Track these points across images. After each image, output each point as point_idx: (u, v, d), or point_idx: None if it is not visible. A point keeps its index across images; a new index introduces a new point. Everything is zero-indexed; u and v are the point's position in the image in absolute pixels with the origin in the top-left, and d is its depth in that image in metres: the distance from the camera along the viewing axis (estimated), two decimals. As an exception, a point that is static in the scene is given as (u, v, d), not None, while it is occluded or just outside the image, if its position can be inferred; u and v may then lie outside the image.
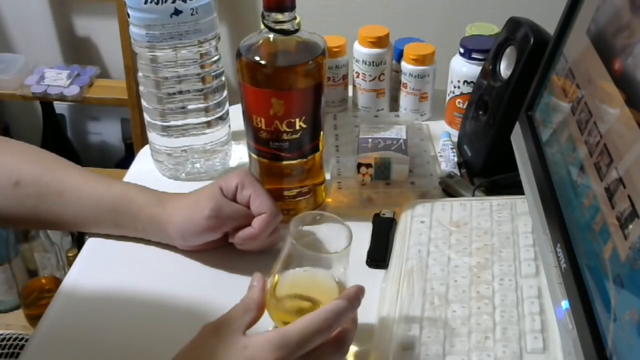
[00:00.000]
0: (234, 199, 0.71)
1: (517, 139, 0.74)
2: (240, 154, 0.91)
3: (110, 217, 0.74)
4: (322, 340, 0.54)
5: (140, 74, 0.84)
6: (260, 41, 0.73)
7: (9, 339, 0.93)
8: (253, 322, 0.56)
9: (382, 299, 0.68)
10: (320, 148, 0.78)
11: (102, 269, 0.74)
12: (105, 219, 0.74)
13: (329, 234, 0.59)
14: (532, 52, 0.77)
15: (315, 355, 0.54)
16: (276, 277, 0.58)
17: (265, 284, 0.58)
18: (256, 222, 0.70)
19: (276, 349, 0.52)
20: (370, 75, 0.96)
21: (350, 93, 1.01)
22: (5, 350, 0.91)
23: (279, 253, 0.57)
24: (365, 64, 0.95)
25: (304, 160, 0.77)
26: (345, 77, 0.99)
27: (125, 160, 1.94)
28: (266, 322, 0.58)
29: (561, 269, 0.56)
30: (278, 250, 0.73)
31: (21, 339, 0.94)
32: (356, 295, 0.56)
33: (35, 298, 1.67)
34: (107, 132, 2.05)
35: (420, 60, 0.93)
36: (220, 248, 0.73)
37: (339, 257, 0.57)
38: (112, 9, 1.61)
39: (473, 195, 0.81)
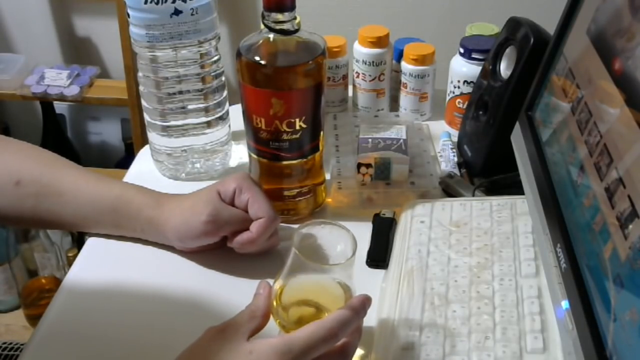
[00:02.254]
0: (231, 203, 0.71)
1: (517, 139, 0.74)
2: (240, 154, 0.91)
3: (109, 217, 0.74)
4: (326, 348, 0.53)
5: (140, 74, 0.84)
6: (260, 41, 0.73)
7: (4, 349, 0.93)
8: (258, 330, 0.56)
9: (382, 299, 0.68)
10: (320, 148, 0.78)
11: (102, 268, 0.74)
12: (104, 219, 0.74)
13: (332, 238, 0.59)
14: (532, 52, 0.77)
15: None
16: (281, 284, 0.58)
17: (271, 291, 0.58)
18: (254, 227, 0.70)
19: (281, 355, 0.52)
20: (370, 75, 0.96)
21: (350, 93, 1.01)
22: None
23: (278, 255, 0.57)
24: (365, 64, 0.95)
25: (304, 160, 0.77)
26: (345, 77, 0.99)
27: (125, 160, 1.94)
28: (271, 330, 0.57)
29: (561, 269, 0.56)
30: (277, 252, 0.73)
31: (17, 349, 0.93)
32: (362, 305, 0.56)
33: (35, 298, 1.67)
34: (107, 132, 2.05)
35: (420, 60, 0.93)
36: (219, 249, 0.73)
37: (344, 267, 0.57)
38: (112, 9, 1.61)
39: (473, 195, 0.81)
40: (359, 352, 0.62)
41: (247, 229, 0.70)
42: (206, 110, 0.85)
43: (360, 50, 0.95)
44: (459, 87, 0.91)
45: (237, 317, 0.57)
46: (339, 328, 0.53)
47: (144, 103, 0.85)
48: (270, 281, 0.59)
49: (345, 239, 0.58)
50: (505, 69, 0.83)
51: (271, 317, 0.57)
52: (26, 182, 0.72)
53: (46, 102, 1.86)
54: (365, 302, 0.56)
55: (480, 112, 0.85)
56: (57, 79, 1.71)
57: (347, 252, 0.57)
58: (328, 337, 0.53)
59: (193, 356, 0.54)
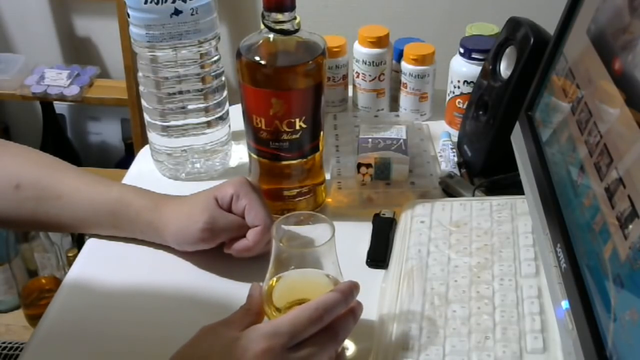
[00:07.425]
0: (229, 209, 0.71)
1: (517, 139, 0.74)
2: (240, 154, 0.91)
3: (108, 220, 0.74)
4: (313, 330, 0.54)
5: (140, 74, 0.84)
6: (260, 41, 0.73)
7: (4, 349, 0.93)
8: (252, 325, 0.56)
9: (382, 299, 0.68)
10: (320, 148, 0.78)
11: (102, 269, 0.74)
12: (103, 221, 0.74)
13: (321, 234, 0.59)
14: (532, 52, 0.77)
15: (308, 345, 0.54)
16: (270, 283, 0.59)
17: (262, 292, 0.59)
18: (250, 235, 0.70)
19: (268, 338, 0.52)
20: (370, 75, 0.96)
21: (350, 93, 1.01)
22: None
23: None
24: (365, 64, 0.95)
25: (304, 160, 0.77)
26: (345, 77, 0.99)
27: (125, 160, 1.94)
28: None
29: (561, 269, 0.56)
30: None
31: (17, 349, 0.93)
32: (349, 289, 0.57)
33: (35, 298, 1.67)
34: (107, 132, 2.05)
35: (420, 60, 0.93)
36: (219, 249, 0.73)
37: (324, 250, 0.58)
38: (112, 9, 1.61)
39: (473, 195, 0.81)
40: (358, 349, 0.62)
41: (244, 235, 0.70)
42: (206, 110, 0.85)
43: (360, 50, 0.95)
44: (459, 87, 0.91)
45: (230, 316, 0.58)
46: (324, 309, 0.54)
47: (144, 103, 0.85)
48: (262, 284, 0.60)
49: (326, 228, 0.58)
50: (505, 69, 0.83)
51: (266, 318, 0.58)
52: (25, 185, 0.72)
53: (46, 102, 1.86)
54: (352, 286, 0.57)
55: (480, 112, 0.85)
56: (57, 79, 1.71)
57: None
58: (314, 319, 0.54)
59: (185, 353, 0.55)
